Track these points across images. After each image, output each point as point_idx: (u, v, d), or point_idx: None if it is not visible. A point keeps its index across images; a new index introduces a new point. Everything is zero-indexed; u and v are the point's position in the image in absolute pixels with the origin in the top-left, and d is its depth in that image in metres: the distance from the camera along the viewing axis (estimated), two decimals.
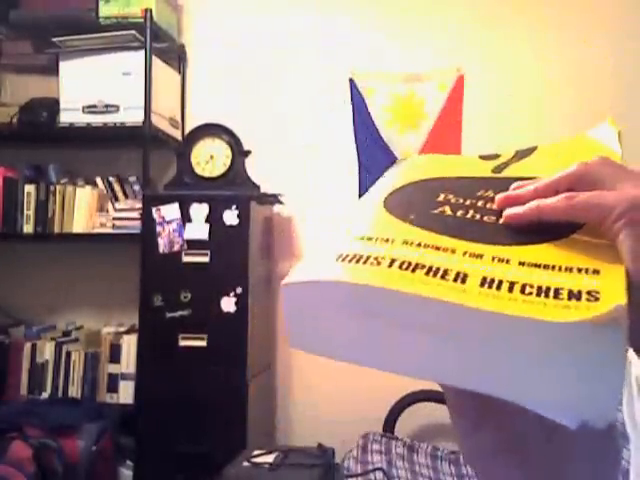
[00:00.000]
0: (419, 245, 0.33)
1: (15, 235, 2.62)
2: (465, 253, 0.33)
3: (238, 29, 2.81)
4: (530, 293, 0.29)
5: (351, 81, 2.70)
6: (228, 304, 2.26)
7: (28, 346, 2.60)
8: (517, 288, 0.30)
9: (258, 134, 2.66)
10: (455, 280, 0.30)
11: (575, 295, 0.29)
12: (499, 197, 0.37)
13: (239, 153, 2.48)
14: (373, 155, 2.68)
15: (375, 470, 1.94)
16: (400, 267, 0.31)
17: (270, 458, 1.86)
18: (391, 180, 0.44)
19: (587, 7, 2.61)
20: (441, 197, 0.39)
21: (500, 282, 0.30)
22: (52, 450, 2.16)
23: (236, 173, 2.47)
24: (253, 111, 2.75)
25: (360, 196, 2.67)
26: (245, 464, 1.83)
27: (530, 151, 0.45)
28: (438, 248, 0.33)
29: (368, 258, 0.32)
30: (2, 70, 2.87)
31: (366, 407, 2.52)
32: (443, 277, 0.31)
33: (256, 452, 1.91)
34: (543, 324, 0.28)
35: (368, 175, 2.67)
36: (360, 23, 2.73)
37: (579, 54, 2.60)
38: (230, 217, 2.29)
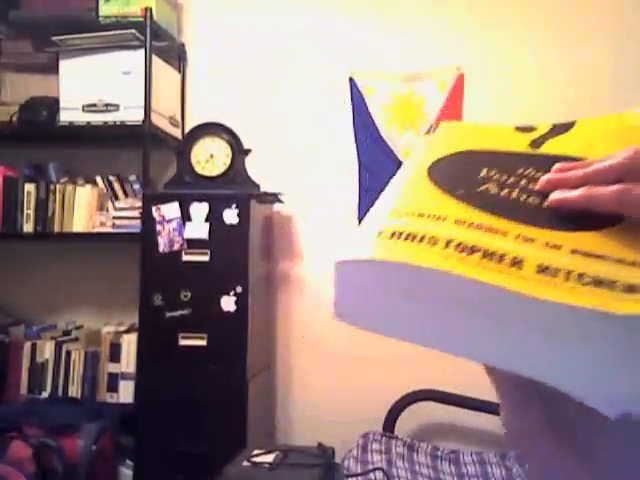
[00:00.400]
0: (471, 225, 0.34)
1: (15, 234, 2.62)
2: (517, 236, 0.33)
3: (238, 29, 2.81)
4: (587, 283, 0.29)
5: (351, 80, 2.70)
6: (228, 303, 2.26)
7: (28, 345, 2.60)
8: (574, 277, 0.30)
9: (258, 133, 2.66)
10: (512, 265, 0.30)
11: (631, 288, 0.29)
12: (544, 179, 0.37)
13: (239, 152, 2.48)
14: (373, 154, 2.68)
15: (375, 470, 1.94)
16: (457, 249, 0.31)
17: (270, 458, 1.86)
18: (430, 149, 0.43)
19: (587, 7, 2.61)
20: (484, 172, 0.39)
21: (556, 269, 0.30)
22: (52, 450, 2.16)
23: (236, 172, 2.47)
24: (253, 110, 2.75)
25: (360, 196, 2.67)
26: (245, 464, 1.83)
27: (569, 126, 0.44)
28: (490, 230, 0.33)
29: (423, 237, 0.32)
30: (2, 69, 2.86)
31: (366, 407, 2.51)
32: (500, 261, 0.31)
33: (256, 452, 1.90)
34: (604, 315, 0.28)
35: (368, 175, 2.67)
36: (360, 23, 2.73)
37: (579, 54, 2.60)
38: (230, 216, 2.29)
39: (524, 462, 0.44)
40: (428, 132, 0.47)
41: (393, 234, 0.33)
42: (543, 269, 0.30)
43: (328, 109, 2.73)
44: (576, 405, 0.30)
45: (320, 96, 2.74)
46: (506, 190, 0.37)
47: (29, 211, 2.60)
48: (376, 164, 2.65)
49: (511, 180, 0.38)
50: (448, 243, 0.32)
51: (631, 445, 0.36)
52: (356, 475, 1.93)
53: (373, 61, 2.70)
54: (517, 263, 0.31)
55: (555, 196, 0.35)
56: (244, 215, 2.29)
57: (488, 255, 0.31)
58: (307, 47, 2.76)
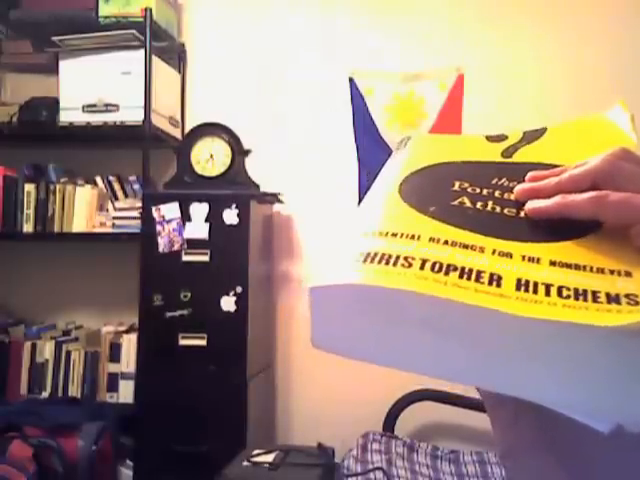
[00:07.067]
0: (446, 243, 0.33)
1: (15, 234, 2.62)
2: (494, 252, 0.32)
3: (238, 28, 2.81)
4: (568, 296, 0.29)
5: (351, 80, 2.70)
6: (228, 303, 2.26)
7: (28, 345, 2.60)
8: (554, 291, 0.29)
9: (258, 133, 2.66)
10: (490, 283, 0.30)
11: (614, 298, 0.28)
12: (519, 188, 0.36)
13: (239, 152, 2.48)
14: (373, 155, 2.67)
15: (375, 469, 1.94)
16: (432, 269, 0.30)
17: (270, 458, 1.86)
18: (402, 164, 0.42)
19: (587, 7, 2.61)
20: (456, 186, 0.38)
21: (535, 284, 0.29)
22: (52, 450, 2.16)
23: (236, 172, 2.47)
24: (253, 110, 2.75)
25: (360, 196, 2.67)
26: (245, 464, 1.83)
27: (540, 133, 0.43)
28: (466, 246, 0.32)
29: (398, 258, 0.31)
30: (2, 69, 2.86)
31: (366, 407, 2.52)
32: (477, 280, 0.30)
33: (256, 452, 1.91)
34: (588, 329, 0.27)
35: (368, 175, 2.67)
36: (360, 23, 2.73)
37: (579, 54, 2.60)
38: (230, 216, 2.29)
39: (513, 476, 0.43)
40: (400, 144, 0.46)
41: (367, 256, 0.31)
42: (522, 285, 0.29)
43: (328, 109, 2.73)
44: (568, 420, 0.29)
45: (320, 96, 2.74)
46: (480, 203, 0.36)
47: (29, 211, 2.60)
48: (376, 164, 2.63)
49: (485, 192, 0.37)
50: (424, 263, 0.31)
51: (628, 459, 0.35)
52: (356, 475, 1.93)
53: (373, 61, 2.70)
54: (496, 280, 0.30)
55: (530, 206, 0.35)
56: (244, 215, 2.29)
57: (465, 274, 0.30)
58: (307, 47, 2.76)
